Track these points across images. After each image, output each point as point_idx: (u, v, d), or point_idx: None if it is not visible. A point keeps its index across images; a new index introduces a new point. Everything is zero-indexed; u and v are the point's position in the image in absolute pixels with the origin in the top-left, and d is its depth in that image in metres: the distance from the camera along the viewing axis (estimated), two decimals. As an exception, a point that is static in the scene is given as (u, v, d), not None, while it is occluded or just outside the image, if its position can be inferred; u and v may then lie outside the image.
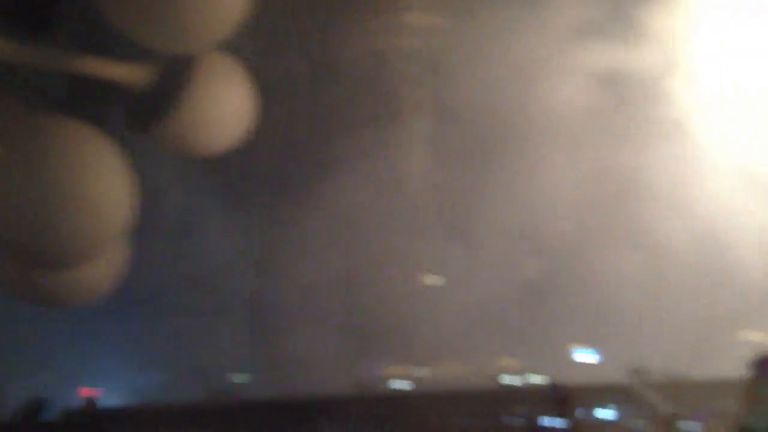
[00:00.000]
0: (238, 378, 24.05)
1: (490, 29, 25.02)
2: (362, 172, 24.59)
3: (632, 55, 23.76)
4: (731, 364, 21.57)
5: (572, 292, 24.19)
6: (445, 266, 25.68)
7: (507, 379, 24.06)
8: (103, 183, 4.86)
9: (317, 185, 23.90)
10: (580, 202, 24.05)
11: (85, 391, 18.27)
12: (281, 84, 23.83)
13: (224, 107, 5.24)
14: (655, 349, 22.44)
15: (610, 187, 24.03)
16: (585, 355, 24.86)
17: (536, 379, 22.76)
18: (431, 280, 26.11)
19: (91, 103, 5.34)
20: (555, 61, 24.11)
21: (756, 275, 23.01)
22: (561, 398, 11.45)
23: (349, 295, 24.01)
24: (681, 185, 23.35)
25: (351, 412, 18.06)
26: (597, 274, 23.95)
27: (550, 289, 24.29)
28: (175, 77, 5.08)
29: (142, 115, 5.36)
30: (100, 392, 18.72)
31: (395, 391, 23.87)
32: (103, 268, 5.30)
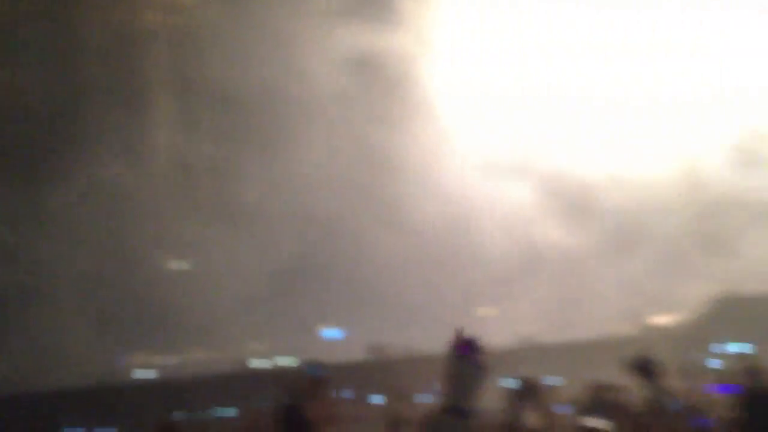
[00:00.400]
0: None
1: (247, 9, 24.86)
2: (111, 150, 23.56)
3: (386, 38, 24.56)
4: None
5: (331, 273, 24.73)
6: (198, 249, 25.28)
7: (257, 363, 24.17)
8: None
9: (64, 163, 22.57)
10: (339, 183, 24.60)
11: None
12: (27, 58, 22.35)
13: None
14: (403, 326, 23.58)
15: (366, 168, 24.77)
16: (335, 335, 25.59)
17: (287, 362, 23.07)
18: (183, 264, 25.62)
19: None
20: (311, 42, 24.40)
21: (494, 255, 24.79)
22: (318, 379, 11.69)
23: (96, 280, 22.96)
24: (431, 167, 24.53)
25: (98, 403, 17.37)
26: (355, 254, 24.65)
27: (310, 271, 24.68)
28: None
29: None
30: None
31: (143, 379, 23.18)
32: None
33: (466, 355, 6.84)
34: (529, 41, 25.36)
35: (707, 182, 25.66)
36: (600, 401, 6.75)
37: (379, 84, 24.49)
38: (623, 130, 25.24)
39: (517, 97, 25.19)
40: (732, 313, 24.00)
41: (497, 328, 25.25)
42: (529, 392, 7.39)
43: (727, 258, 24.77)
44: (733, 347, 19.98)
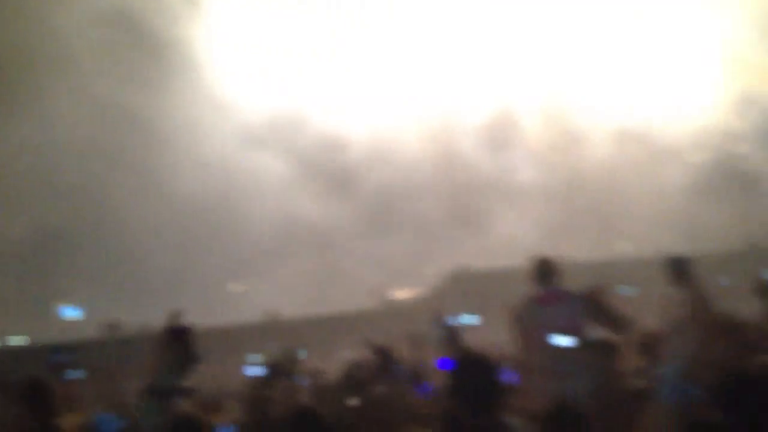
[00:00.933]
0: None
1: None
2: None
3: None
4: (221, 315, 23.03)
5: (74, 246, 23.28)
6: None
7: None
8: None
9: None
10: (89, 148, 23.16)
11: None
12: None
13: None
14: (150, 302, 22.81)
15: (122, 133, 23.51)
16: (73, 313, 24.23)
17: (16, 341, 21.58)
18: None
19: None
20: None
21: (252, 229, 24.67)
22: (55, 364, 11.15)
23: None
24: (192, 135, 23.78)
25: None
26: (103, 225, 23.37)
27: (51, 243, 23.09)
28: None
29: None
30: None
31: None
32: None
33: (177, 338, 6.88)
34: (304, 10, 25.36)
35: (461, 164, 27.28)
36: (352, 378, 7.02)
37: (141, 44, 23.37)
38: (385, 110, 26.09)
39: (288, 68, 25.14)
40: (464, 287, 25.79)
41: (247, 303, 25.28)
42: (276, 367, 7.52)
43: (474, 235, 26.49)
44: (464, 319, 21.51)
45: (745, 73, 27.18)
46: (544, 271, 5.48)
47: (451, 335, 6.19)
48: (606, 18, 27.55)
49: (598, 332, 5.40)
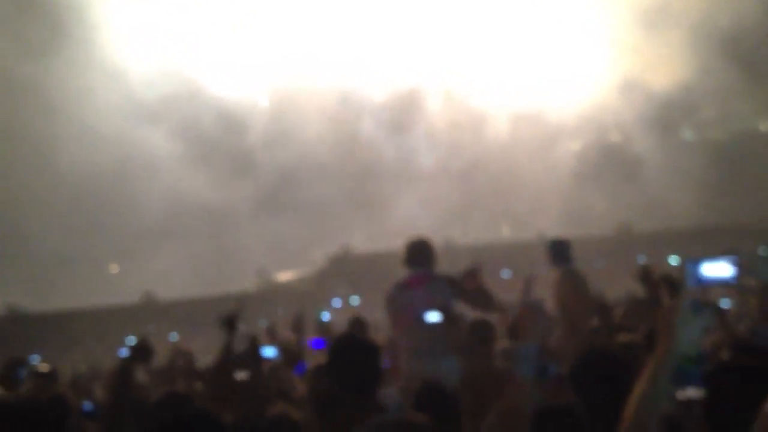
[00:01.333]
0: None
1: None
2: None
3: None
4: (101, 296, 22.27)
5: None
6: None
7: None
8: None
9: None
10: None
11: None
12: None
13: None
14: (23, 280, 21.83)
15: (8, 103, 22.24)
16: None
17: None
18: None
19: None
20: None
21: (144, 209, 23.87)
22: None
23: None
24: (86, 106, 22.67)
25: None
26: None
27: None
28: None
29: None
30: None
31: None
32: None
33: None
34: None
35: (361, 145, 27.21)
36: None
37: (30, 7, 22.13)
38: (285, 89, 25.70)
39: (188, 43, 24.43)
40: (345, 269, 25.92)
41: (129, 283, 24.60)
42: (138, 348, 7.26)
43: (371, 217, 26.57)
44: (346, 300, 21.65)
45: (629, 60, 28.18)
46: (416, 253, 5.49)
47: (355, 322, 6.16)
48: (503, 2, 28.03)
49: (469, 314, 5.45)
